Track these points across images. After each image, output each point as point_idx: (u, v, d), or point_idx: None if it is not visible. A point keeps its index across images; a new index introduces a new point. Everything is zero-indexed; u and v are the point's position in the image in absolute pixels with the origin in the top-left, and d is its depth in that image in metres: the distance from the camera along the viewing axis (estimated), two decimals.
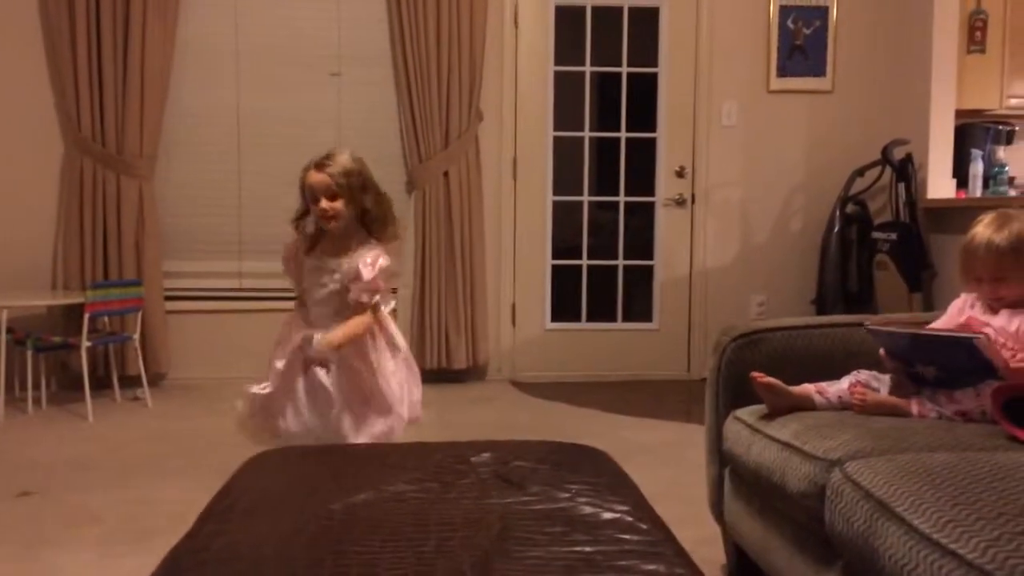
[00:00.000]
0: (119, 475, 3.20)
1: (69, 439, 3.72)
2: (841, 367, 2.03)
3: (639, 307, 5.15)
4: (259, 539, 1.29)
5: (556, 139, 5.02)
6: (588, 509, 1.40)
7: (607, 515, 1.37)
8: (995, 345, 1.80)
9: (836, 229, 4.75)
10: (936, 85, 4.57)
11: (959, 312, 2.00)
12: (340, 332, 2.33)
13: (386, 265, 2.39)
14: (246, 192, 4.86)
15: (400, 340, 2.54)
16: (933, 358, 1.85)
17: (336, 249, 2.44)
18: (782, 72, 5.02)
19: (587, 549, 1.24)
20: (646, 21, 4.99)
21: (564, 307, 5.10)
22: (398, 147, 4.83)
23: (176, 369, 4.80)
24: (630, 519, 1.36)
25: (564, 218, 5.09)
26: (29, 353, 4.13)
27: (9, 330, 4.08)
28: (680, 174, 5.05)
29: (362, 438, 2.38)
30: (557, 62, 4.98)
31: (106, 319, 4.46)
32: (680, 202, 5.06)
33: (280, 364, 2.42)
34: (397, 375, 2.48)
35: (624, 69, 5.01)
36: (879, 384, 1.94)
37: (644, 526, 1.34)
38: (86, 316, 4.01)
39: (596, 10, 4.97)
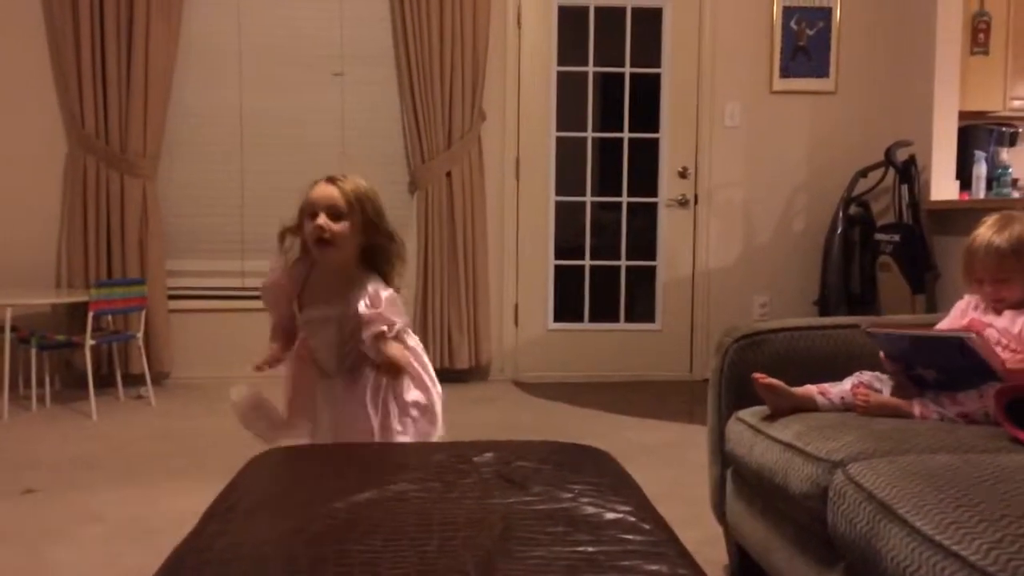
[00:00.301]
0: (123, 474, 3.21)
1: (73, 437, 3.73)
2: (843, 368, 2.03)
3: (642, 308, 5.15)
4: (262, 538, 1.29)
5: (559, 139, 5.02)
6: (591, 509, 1.39)
7: (610, 515, 1.37)
8: (989, 344, 1.80)
9: (839, 230, 4.75)
10: (939, 87, 4.56)
11: (962, 314, 2.01)
12: (391, 350, 1.99)
13: (388, 295, 2.01)
14: (249, 192, 4.87)
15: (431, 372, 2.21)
16: (931, 359, 1.86)
17: (328, 295, 2.03)
18: (785, 73, 5.01)
19: (590, 549, 1.24)
20: (649, 21, 4.99)
21: (567, 307, 5.11)
22: (401, 147, 4.82)
23: (179, 368, 4.82)
24: (633, 519, 1.36)
25: (567, 218, 5.09)
26: (33, 351, 4.14)
27: (13, 328, 4.09)
28: (683, 175, 5.05)
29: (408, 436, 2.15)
30: (560, 62, 4.98)
31: (110, 318, 4.47)
32: (683, 203, 5.06)
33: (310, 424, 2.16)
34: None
35: (627, 69, 5.01)
36: (881, 385, 1.94)
37: (647, 526, 1.34)
38: (90, 315, 4.02)
39: (599, 10, 4.97)
